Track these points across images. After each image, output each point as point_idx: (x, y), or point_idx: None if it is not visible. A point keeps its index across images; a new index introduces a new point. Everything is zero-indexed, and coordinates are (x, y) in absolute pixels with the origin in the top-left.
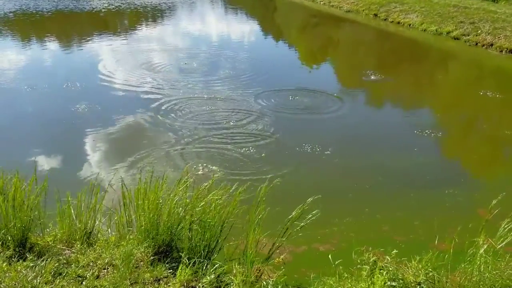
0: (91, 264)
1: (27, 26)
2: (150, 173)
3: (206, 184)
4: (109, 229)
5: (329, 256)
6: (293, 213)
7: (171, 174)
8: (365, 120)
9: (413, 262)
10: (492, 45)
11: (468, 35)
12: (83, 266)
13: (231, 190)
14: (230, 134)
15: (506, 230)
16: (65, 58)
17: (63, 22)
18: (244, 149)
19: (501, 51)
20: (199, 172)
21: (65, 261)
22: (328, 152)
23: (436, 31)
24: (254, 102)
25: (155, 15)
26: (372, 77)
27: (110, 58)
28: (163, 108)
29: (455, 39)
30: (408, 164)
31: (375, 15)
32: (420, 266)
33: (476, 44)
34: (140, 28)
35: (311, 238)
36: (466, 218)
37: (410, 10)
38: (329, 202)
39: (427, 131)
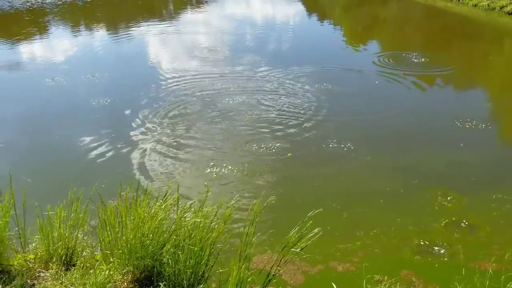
0: None
1: (75, 13)
2: (136, 186)
3: (193, 201)
4: (98, 247)
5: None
6: (291, 233)
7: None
8: (404, 110)
9: None
10: None
11: None
12: None
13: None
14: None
15: None
16: (107, 47)
17: (108, 8)
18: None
19: None
20: (214, 173)
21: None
22: (358, 149)
23: (488, 6)
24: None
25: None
26: (418, 59)
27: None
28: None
29: (509, 14)
30: (451, 162)
31: None
32: None
33: None
34: (185, 13)
35: (330, 255)
36: None
37: None
38: (356, 209)
39: (475, 122)
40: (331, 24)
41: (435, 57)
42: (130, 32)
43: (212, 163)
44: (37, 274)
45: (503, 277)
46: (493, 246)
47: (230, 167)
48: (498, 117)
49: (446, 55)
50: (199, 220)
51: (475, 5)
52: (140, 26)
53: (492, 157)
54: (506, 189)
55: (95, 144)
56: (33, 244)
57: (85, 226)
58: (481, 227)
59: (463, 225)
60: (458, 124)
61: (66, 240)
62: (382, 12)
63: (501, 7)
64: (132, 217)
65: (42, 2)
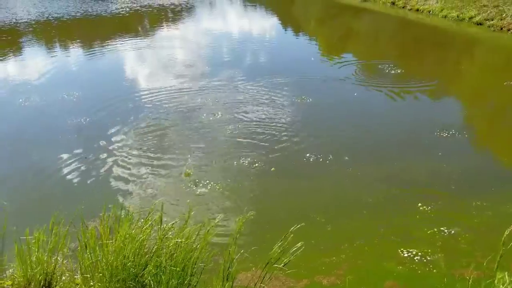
0: None
1: (50, 32)
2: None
3: (175, 221)
4: (78, 271)
5: None
6: (274, 248)
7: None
8: (382, 121)
9: None
10: None
11: (492, 20)
12: None
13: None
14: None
15: None
16: (82, 65)
17: (84, 27)
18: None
19: None
20: (198, 189)
21: None
22: (339, 161)
23: (458, 17)
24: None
25: (175, 15)
26: (394, 70)
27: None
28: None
29: (478, 24)
30: (430, 172)
31: (393, 3)
32: None
33: (501, 29)
34: (161, 29)
35: (315, 269)
36: (497, 237)
37: None
38: (340, 221)
39: (452, 131)
40: (306, 36)
41: (409, 68)
42: (106, 49)
43: (194, 180)
44: None
45: (483, 284)
46: (475, 254)
47: (212, 183)
48: (473, 125)
49: (420, 65)
50: (180, 240)
51: (445, 16)
52: (116, 44)
53: (470, 165)
54: (485, 197)
55: (73, 165)
56: (11, 270)
57: (64, 250)
58: (462, 235)
59: (445, 234)
60: (436, 134)
61: (45, 264)
62: (356, 25)
63: (470, 18)
64: (113, 239)
65: (15, 23)
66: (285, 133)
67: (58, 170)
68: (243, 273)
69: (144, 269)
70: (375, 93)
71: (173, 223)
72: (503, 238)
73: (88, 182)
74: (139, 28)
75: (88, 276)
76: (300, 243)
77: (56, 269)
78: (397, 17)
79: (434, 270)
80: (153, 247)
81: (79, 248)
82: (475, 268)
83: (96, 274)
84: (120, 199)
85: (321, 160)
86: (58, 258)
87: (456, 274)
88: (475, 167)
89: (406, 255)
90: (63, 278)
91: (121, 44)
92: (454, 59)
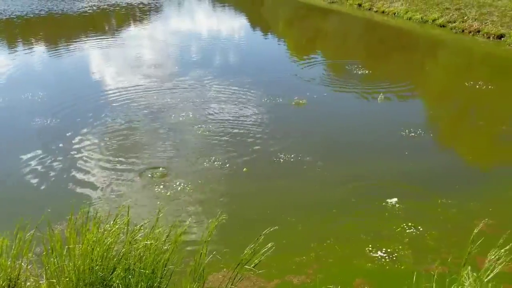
0: None
1: (13, 31)
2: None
3: (143, 223)
4: (43, 276)
5: None
6: (245, 250)
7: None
8: (351, 121)
9: None
10: (479, 31)
11: (454, 22)
12: None
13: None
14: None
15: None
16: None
17: (48, 26)
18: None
19: (489, 37)
20: (165, 188)
21: None
22: (310, 160)
23: (422, 19)
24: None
25: (143, 14)
26: (361, 71)
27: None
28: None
29: (441, 26)
30: (397, 171)
31: (359, 5)
32: None
33: (463, 31)
34: (129, 28)
35: (285, 268)
36: (461, 234)
37: None
38: (310, 220)
39: (418, 131)
40: (275, 37)
41: (376, 68)
42: (72, 48)
43: (164, 181)
44: None
45: (447, 279)
46: (440, 250)
47: (183, 184)
48: (438, 125)
49: (387, 66)
50: (149, 242)
51: (410, 18)
52: (82, 43)
53: (435, 164)
54: (450, 194)
55: (38, 167)
56: None
57: (29, 255)
58: (429, 232)
59: (412, 231)
60: (403, 133)
61: (9, 270)
62: (324, 26)
63: (433, 20)
64: (80, 243)
65: None
66: (256, 134)
67: (23, 173)
68: (214, 274)
69: (112, 272)
70: (343, 94)
71: (142, 225)
72: (471, 236)
73: (54, 184)
74: (106, 27)
75: (54, 281)
76: (270, 243)
77: (20, 274)
78: (364, 18)
79: (402, 267)
80: (122, 250)
81: (44, 252)
82: (440, 263)
83: (63, 278)
84: (87, 202)
85: (292, 160)
86: (23, 263)
87: (422, 270)
88: (440, 165)
89: (374, 252)
90: (28, 283)
91: (87, 43)
92: (418, 60)
